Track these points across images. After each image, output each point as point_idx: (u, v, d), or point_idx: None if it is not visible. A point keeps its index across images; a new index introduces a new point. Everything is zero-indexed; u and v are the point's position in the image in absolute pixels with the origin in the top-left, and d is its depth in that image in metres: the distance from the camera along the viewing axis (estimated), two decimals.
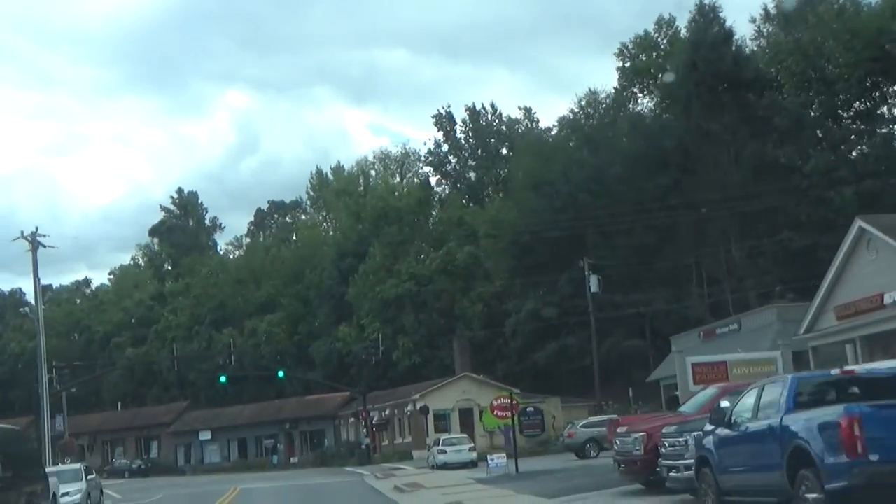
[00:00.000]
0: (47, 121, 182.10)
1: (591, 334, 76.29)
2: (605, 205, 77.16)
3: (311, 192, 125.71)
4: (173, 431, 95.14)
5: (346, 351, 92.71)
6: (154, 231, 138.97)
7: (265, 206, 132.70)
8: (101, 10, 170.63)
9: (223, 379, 73.06)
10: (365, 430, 75.35)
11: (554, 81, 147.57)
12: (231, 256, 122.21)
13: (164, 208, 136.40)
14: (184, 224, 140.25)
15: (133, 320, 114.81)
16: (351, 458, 75.94)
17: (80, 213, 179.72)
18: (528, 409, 43.62)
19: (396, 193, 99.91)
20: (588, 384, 76.88)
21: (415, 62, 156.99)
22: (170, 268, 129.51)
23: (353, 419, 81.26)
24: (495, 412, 61.97)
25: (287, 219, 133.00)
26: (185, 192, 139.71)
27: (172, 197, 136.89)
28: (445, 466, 55.26)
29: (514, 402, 62.71)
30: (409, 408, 74.23)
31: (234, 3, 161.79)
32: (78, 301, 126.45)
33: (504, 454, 43.12)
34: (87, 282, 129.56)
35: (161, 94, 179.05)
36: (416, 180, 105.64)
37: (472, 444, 57.14)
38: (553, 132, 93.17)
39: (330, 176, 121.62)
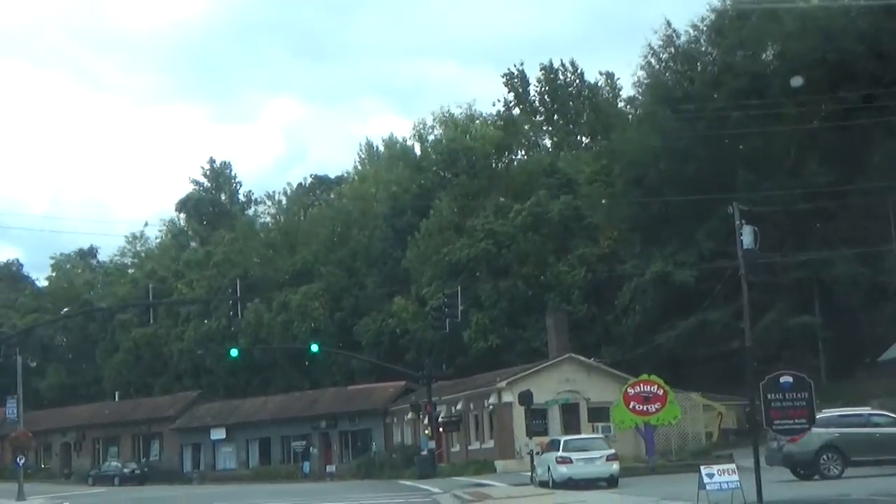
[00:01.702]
0: (96, 124, 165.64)
1: (743, 307, 55.18)
2: (766, 128, 56.06)
3: (359, 166, 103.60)
4: (178, 428, 74.78)
5: (401, 330, 71.95)
6: (181, 205, 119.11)
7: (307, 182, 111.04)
8: (154, 18, 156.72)
9: (234, 352, 52.49)
10: (429, 431, 54.63)
11: None
12: (262, 221, 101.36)
13: (193, 181, 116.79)
14: (214, 197, 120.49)
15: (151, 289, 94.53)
16: (407, 469, 55.41)
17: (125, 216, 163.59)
18: (783, 380, 22.52)
19: (469, 136, 78.99)
20: (734, 376, 55.69)
21: (463, 73, 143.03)
22: (195, 245, 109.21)
23: (409, 416, 60.49)
24: (631, 405, 41.49)
25: (331, 195, 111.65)
26: (217, 162, 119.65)
27: (203, 168, 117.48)
28: (569, 484, 34.62)
29: (662, 390, 41.99)
30: (493, 399, 53.34)
31: (287, 12, 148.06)
32: (79, 270, 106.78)
33: (732, 469, 22.29)
34: (92, 251, 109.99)
35: (210, 101, 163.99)
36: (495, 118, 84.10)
37: (612, 451, 36.17)
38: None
39: (381, 147, 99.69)
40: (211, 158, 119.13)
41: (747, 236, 55.89)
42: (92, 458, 79.66)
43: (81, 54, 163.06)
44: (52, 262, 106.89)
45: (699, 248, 57.93)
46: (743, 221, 55.71)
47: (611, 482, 35.18)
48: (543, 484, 36.77)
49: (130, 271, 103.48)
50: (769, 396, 22.17)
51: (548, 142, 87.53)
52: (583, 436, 39.52)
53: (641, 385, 42.01)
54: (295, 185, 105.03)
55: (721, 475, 21.97)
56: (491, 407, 53.33)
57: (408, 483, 48.84)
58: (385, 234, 77.74)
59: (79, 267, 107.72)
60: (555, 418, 52.61)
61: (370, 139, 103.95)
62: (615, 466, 35.34)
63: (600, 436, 38.92)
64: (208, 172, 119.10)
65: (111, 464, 73.60)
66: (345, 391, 69.65)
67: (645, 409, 41.58)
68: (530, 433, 51.64)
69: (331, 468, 65.03)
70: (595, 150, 72.48)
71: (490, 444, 53.95)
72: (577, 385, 52.79)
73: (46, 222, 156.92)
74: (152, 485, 70.02)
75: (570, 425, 52.49)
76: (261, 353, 79.82)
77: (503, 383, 52.70)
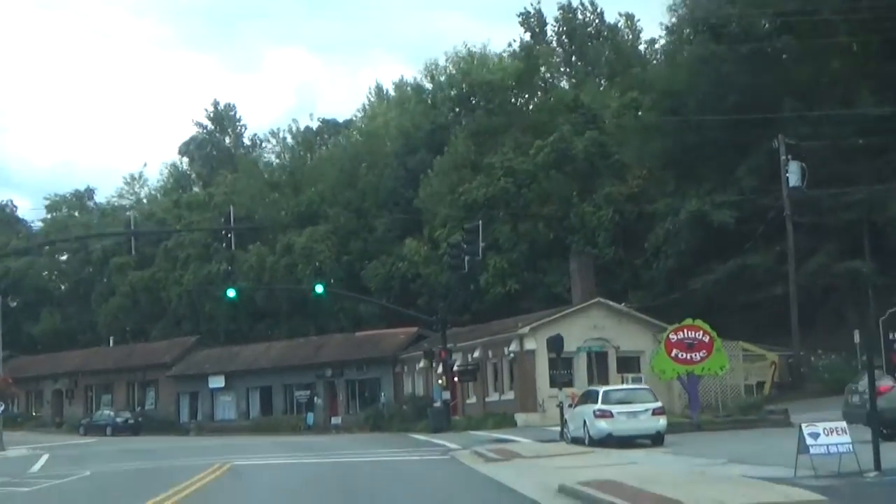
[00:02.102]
0: (102, 70, 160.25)
1: (788, 250, 50.61)
2: (816, 53, 51.11)
3: (369, 109, 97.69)
4: (175, 375, 70.38)
5: (412, 274, 67.41)
6: (184, 148, 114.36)
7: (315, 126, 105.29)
8: None
9: (231, 293, 47.77)
10: (443, 381, 50.19)
11: None
12: (266, 160, 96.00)
13: (197, 123, 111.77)
14: (218, 140, 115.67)
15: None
16: (418, 422, 51.06)
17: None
18: None
19: (486, 70, 73.85)
20: (777, 325, 51.26)
21: (476, 25, 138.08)
22: (198, 190, 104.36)
23: (422, 364, 56.06)
24: (673, 352, 36.90)
25: (340, 139, 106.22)
26: (221, 104, 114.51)
27: (206, 110, 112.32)
28: (609, 441, 30.16)
29: (708, 336, 37.39)
30: (514, 347, 48.73)
31: None
32: (77, 213, 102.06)
33: (842, 429, 17.54)
34: (89, 192, 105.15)
35: (216, 50, 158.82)
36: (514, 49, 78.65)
37: (659, 404, 31.56)
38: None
39: (392, 91, 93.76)
40: (215, 100, 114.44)
41: (793, 173, 51.29)
42: (84, 406, 75.50)
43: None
44: (47, 203, 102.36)
45: (740, 186, 53.29)
46: (789, 156, 51.13)
47: (656, 440, 30.66)
48: (577, 441, 32.28)
49: (128, 213, 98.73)
50: (892, 336, 17.33)
51: (565, 84, 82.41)
52: (625, 386, 34.88)
53: (685, 331, 37.31)
54: (302, 128, 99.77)
55: (829, 435, 17.30)
56: (511, 355, 48.74)
57: (420, 437, 44.45)
58: (396, 174, 72.97)
59: (75, 209, 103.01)
60: (581, 368, 48.10)
61: (380, 83, 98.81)
62: (662, 422, 30.75)
63: (644, 386, 34.24)
64: (212, 115, 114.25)
65: (103, 413, 69.31)
66: (352, 338, 65.18)
67: (689, 357, 36.92)
68: (556, 384, 47.29)
69: (336, 420, 60.78)
70: (624, 80, 67.26)
71: (510, 395, 49.44)
72: (605, 332, 48.16)
73: (48, 167, 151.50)
74: (146, 435, 65.83)
75: (598, 376, 48.09)
76: (263, 298, 75.45)
77: (525, 329, 48.08)
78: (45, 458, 42.02)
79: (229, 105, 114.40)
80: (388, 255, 70.09)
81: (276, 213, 79.95)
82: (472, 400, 52.68)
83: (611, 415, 30.48)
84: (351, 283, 72.74)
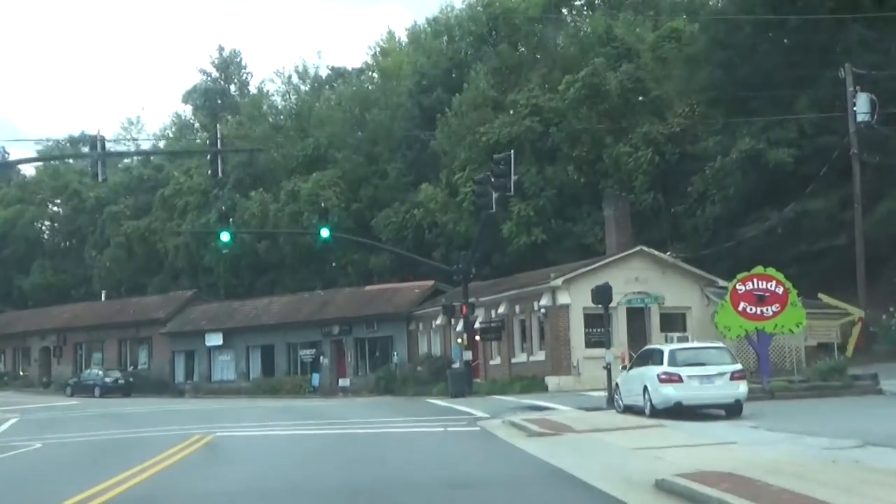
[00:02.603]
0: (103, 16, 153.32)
1: (853, 195, 44.61)
2: None
3: (381, 57, 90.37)
4: (169, 332, 64.81)
5: (428, 223, 61.64)
6: (187, 96, 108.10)
7: (324, 75, 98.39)
8: None
9: (225, 237, 41.82)
10: (463, 339, 44.59)
11: None
12: (271, 102, 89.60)
13: (201, 70, 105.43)
14: (223, 88, 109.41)
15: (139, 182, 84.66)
16: (434, 385, 45.71)
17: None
18: None
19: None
20: (841, 279, 45.38)
21: None
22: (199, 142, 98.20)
23: (439, 320, 50.41)
24: (741, 306, 31.33)
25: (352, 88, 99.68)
26: (227, 51, 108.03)
27: (211, 56, 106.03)
28: (676, 411, 24.52)
29: (782, 287, 31.67)
30: (545, 301, 42.95)
31: None
32: (71, 161, 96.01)
33: None
34: (84, 138, 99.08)
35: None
36: None
37: (739, 366, 25.78)
38: None
39: (404, 39, 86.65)
40: (220, 46, 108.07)
41: (862, 106, 45.24)
42: (73, 364, 70.13)
43: None
44: (39, 149, 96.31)
45: (799, 122, 47.25)
46: (857, 88, 45.09)
47: (732, 410, 24.96)
48: (633, 410, 26.65)
49: (126, 161, 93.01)
50: None
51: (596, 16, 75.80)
52: (697, 344, 29.08)
53: (755, 280, 31.42)
54: (312, 74, 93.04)
55: None
56: (542, 310, 42.96)
57: (439, 403, 38.85)
58: (410, 114, 66.88)
59: (71, 154, 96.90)
60: (620, 325, 42.48)
61: (391, 29, 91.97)
62: (742, 388, 24.97)
63: (719, 344, 28.43)
64: (216, 62, 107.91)
65: (92, 372, 63.90)
66: (361, 292, 59.47)
67: (759, 312, 31.09)
68: (593, 342, 41.64)
69: (344, 382, 55.26)
70: (663, 5, 60.98)
71: (539, 356, 43.75)
72: (648, 285, 42.31)
73: (47, 114, 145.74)
74: (138, 397, 60.59)
75: (636, 335, 42.51)
76: (266, 249, 69.76)
77: (559, 280, 42.31)
78: (9, 423, 36.68)
79: (235, 51, 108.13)
80: (402, 202, 64.28)
81: (280, 159, 73.97)
82: (496, 361, 47.03)
83: (679, 379, 24.74)
84: (361, 233, 67.05)
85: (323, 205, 53.08)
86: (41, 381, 69.81)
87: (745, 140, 47.35)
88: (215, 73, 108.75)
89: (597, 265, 43.39)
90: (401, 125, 67.26)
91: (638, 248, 44.07)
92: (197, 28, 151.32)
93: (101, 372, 62.71)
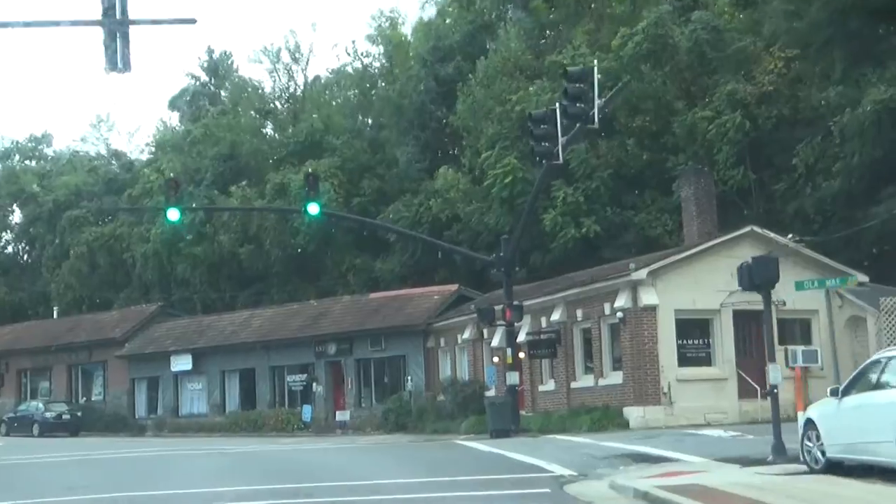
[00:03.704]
0: None
1: None
2: None
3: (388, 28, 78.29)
4: (128, 355, 52.54)
5: (446, 216, 49.54)
6: (172, 103, 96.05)
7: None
8: None
9: (172, 214, 29.41)
10: (503, 357, 32.48)
11: None
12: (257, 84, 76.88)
13: (189, 75, 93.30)
14: (213, 94, 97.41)
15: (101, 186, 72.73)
16: (464, 419, 33.81)
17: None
18: None
19: None
20: None
21: None
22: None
23: (468, 333, 38.25)
24: None
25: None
26: (216, 53, 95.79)
27: (199, 59, 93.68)
28: None
29: None
30: (622, 302, 30.60)
31: None
32: (32, 163, 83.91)
33: None
34: (47, 139, 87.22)
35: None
36: None
37: None
38: None
39: (410, 37, 73.81)
40: (209, 48, 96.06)
41: None
42: (17, 395, 57.84)
43: None
44: None
45: None
46: None
47: None
48: (854, 468, 14.51)
49: (95, 162, 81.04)
50: None
51: None
52: None
53: None
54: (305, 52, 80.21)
55: None
56: (619, 314, 30.69)
57: (478, 447, 26.66)
58: (425, 85, 54.68)
59: (28, 156, 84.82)
60: (725, 335, 30.48)
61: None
62: None
63: None
64: (206, 64, 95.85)
65: (31, 405, 51.73)
66: (365, 301, 47.11)
67: None
68: (690, 363, 29.64)
69: (343, 415, 43.00)
70: None
71: (614, 378, 31.42)
72: None
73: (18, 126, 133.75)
74: (88, 435, 48.58)
75: (744, 348, 30.65)
76: (249, 256, 57.74)
77: (642, 272, 30.15)
78: None
79: (225, 53, 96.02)
80: (414, 193, 52.28)
81: (267, 149, 62.17)
82: (549, 386, 34.77)
83: None
84: (363, 234, 55.26)
85: (310, 171, 40.96)
86: None
87: (877, 90, 35.23)
88: (204, 77, 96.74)
89: (693, 251, 31.35)
90: (412, 102, 55.18)
91: (748, 228, 32.03)
92: (183, 31, 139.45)
93: (40, 405, 50.43)
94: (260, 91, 71.75)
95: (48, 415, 49.27)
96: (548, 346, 33.87)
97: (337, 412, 43.27)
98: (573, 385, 33.21)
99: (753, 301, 26.39)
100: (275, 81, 70.63)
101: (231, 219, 58.23)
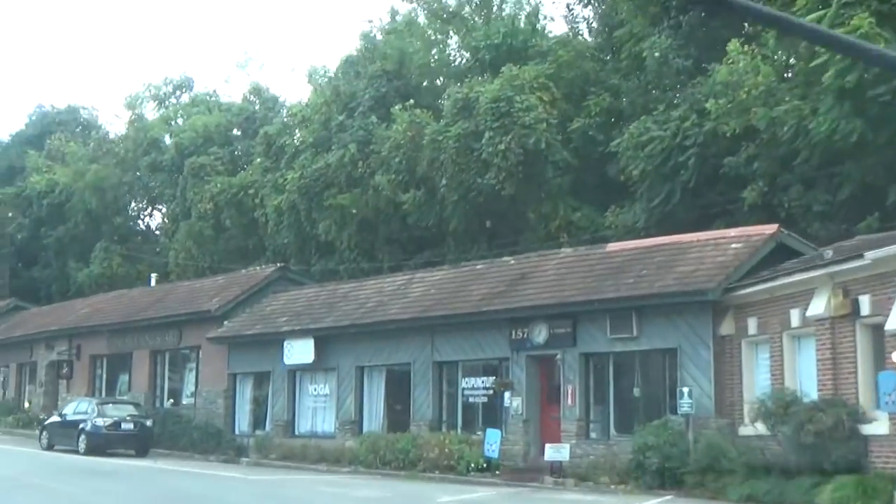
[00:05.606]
0: None
1: None
2: None
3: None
4: (226, 337, 34.12)
5: (734, 128, 29.84)
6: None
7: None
8: None
9: None
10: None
11: None
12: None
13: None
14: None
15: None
16: (816, 476, 14.07)
17: None
18: None
19: None
20: None
21: None
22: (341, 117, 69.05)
23: (819, 307, 18.80)
24: None
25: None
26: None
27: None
28: None
29: None
30: None
31: None
32: (175, 101, 68.06)
33: None
34: (186, 82, 71.45)
35: None
36: None
37: None
38: None
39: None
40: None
41: None
42: (90, 389, 41.21)
43: None
44: (127, 100, 68.75)
45: None
46: None
47: None
48: None
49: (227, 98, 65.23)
50: None
51: None
52: None
53: None
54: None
55: None
56: None
57: None
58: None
59: (165, 103, 69.12)
60: None
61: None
62: None
63: None
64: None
65: (80, 405, 34.42)
66: (601, 255, 27.60)
67: None
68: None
69: (557, 452, 23.59)
70: None
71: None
72: None
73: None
74: (163, 455, 31.73)
75: None
76: (418, 206, 39.81)
77: None
78: None
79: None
80: (669, 105, 33.15)
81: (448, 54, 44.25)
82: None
83: None
84: (587, 171, 36.55)
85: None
86: (38, 419, 41.07)
87: None
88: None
89: None
90: None
91: None
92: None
93: (93, 407, 33.29)
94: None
95: (100, 422, 32.15)
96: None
97: (546, 445, 24.29)
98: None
99: None
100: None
101: (392, 152, 40.28)
